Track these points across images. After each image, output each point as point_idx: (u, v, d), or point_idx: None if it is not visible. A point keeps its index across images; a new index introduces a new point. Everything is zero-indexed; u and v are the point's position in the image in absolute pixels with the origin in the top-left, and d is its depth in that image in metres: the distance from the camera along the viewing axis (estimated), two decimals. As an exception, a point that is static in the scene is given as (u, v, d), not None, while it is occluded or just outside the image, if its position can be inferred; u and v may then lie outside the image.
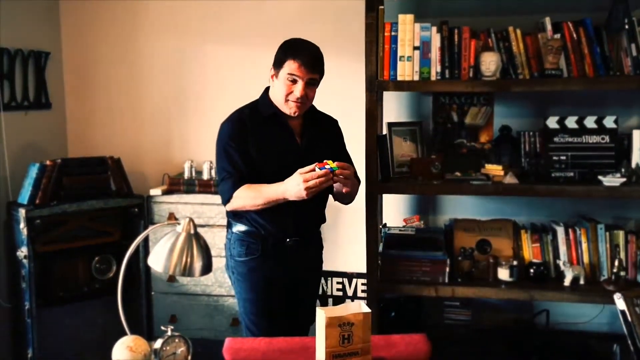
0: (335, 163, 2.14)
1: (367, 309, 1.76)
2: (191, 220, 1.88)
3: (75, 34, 3.60)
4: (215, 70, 3.50)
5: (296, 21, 3.33)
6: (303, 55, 2.20)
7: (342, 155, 2.44)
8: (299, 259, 2.37)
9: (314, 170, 2.11)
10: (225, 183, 2.28)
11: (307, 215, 2.37)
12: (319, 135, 2.38)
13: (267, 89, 2.36)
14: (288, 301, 2.41)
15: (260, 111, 2.32)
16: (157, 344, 1.77)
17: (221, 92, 3.48)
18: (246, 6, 3.40)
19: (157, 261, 1.88)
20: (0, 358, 3.14)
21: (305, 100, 2.24)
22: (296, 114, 2.26)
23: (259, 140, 2.28)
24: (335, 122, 2.51)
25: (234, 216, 2.36)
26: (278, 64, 2.24)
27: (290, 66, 2.20)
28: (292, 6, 3.34)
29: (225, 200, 2.28)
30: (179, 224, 1.90)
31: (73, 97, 3.65)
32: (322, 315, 1.72)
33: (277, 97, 2.27)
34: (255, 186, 2.24)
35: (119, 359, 1.71)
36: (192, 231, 1.87)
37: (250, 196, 2.23)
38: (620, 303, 1.92)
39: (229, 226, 2.43)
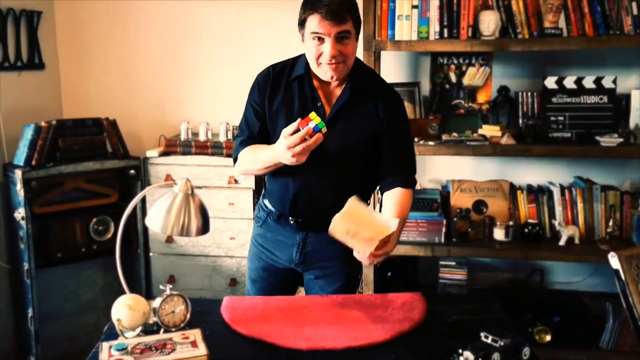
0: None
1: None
2: (188, 180, 1.87)
3: (68, -8, 3.53)
4: (211, 28, 3.44)
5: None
6: (323, 6, 1.79)
7: (391, 145, 1.98)
8: (305, 247, 2.08)
9: (298, 130, 1.79)
10: (235, 141, 2.08)
11: (319, 193, 1.98)
12: (358, 107, 1.96)
13: None
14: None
15: (293, 69, 2.00)
16: (156, 302, 1.79)
17: (217, 52, 3.44)
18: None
19: (155, 221, 1.87)
20: (1, 318, 3.17)
21: (343, 58, 1.85)
22: (334, 78, 1.88)
23: (277, 99, 1.99)
24: (391, 93, 2.01)
25: (263, 180, 2.19)
26: (301, 24, 1.88)
27: (312, 23, 1.82)
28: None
29: (233, 162, 2.09)
30: (175, 184, 1.89)
31: (67, 58, 3.60)
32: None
33: (310, 61, 1.92)
34: (255, 147, 2.00)
35: (118, 317, 1.72)
36: (189, 191, 1.86)
37: (249, 159, 2.01)
38: (614, 262, 1.93)
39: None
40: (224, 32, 3.42)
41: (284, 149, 1.80)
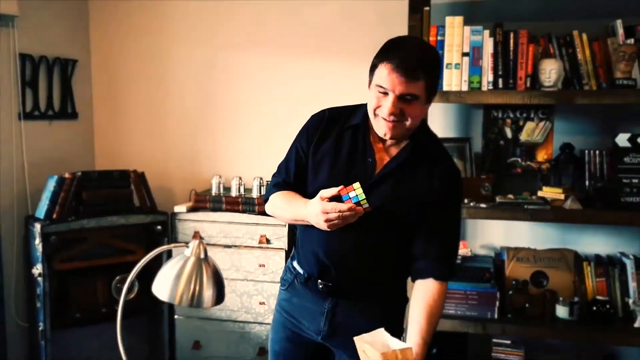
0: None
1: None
2: (201, 242, 1.66)
3: (105, 42, 3.45)
4: (246, 82, 3.28)
5: (334, 27, 3.09)
6: (396, 58, 1.60)
7: (434, 224, 1.75)
8: (335, 316, 1.83)
9: (338, 195, 1.63)
10: (272, 179, 1.91)
11: (351, 257, 1.77)
12: (412, 173, 1.75)
13: None
14: None
15: (350, 117, 1.81)
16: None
17: (251, 105, 3.26)
18: (281, 11, 3.18)
19: (162, 289, 1.69)
20: (15, 381, 2.98)
21: (402, 118, 1.65)
22: (387, 136, 1.69)
23: (324, 144, 1.80)
24: (451, 169, 1.78)
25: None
26: (371, 70, 1.69)
27: (380, 73, 1.63)
28: (329, 10, 3.10)
29: (264, 200, 1.91)
30: (187, 246, 1.69)
31: (101, 108, 3.50)
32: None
33: (369, 110, 1.72)
34: (288, 195, 1.81)
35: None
36: (202, 255, 1.66)
37: (280, 206, 1.83)
38: None
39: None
40: (259, 86, 3.26)
41: (318, 212, 1.64)
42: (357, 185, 1.61)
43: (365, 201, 1.60)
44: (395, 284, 1.87)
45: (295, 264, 1.93)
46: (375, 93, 1.66)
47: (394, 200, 1.72)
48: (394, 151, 1.76)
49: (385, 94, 1.63)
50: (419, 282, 1.76)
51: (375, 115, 1.68)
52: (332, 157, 1.78)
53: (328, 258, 1.79)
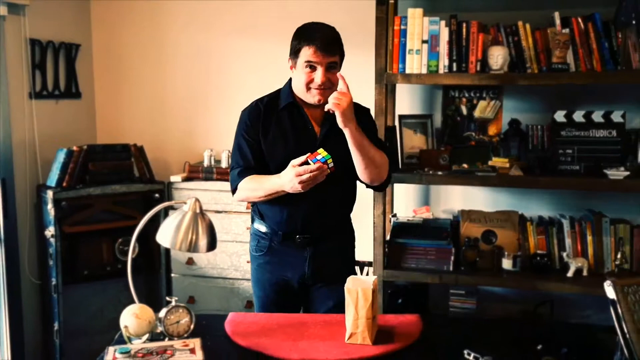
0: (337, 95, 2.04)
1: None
2: (197, 200, 1.98)
3: (105, 27, 3.77)
4: (237, 63, 3.63)
5: (312, 15, 3.41)
6: (317, 39, 2.07)
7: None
8: (315, 260, 2.26)
9: (306, 162, 1.99)
10: (232, 173, 2.25)
11: (323, 207, 2.22)
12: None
13: (291, 79, 2.26)
14: (307, 306, 2.37)
15: (279, 101, 2.24)
16: (162, 312, 1.91)
17: (242, 84, 3.61)
18: (267, 3, 3.53)
19: (165, 237, 2.00)
20: (30, 331, 3.34)
21: (329, 85, 2.11)
22: (321, 101, 2.13)
23: (271, 130, 2.20)
24: (366, 110, 2.33)
25: (254, 211, 2.35)
26: (294, 53, 2.14)
27: (306, 53, 2.08)
28: (309, 3, 3.45)
29: (232, 191, 2.26)
30: (185, 203, 2.01)
31: (102, 88, 3.83)
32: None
33: (299, 87, 2.16)
34: (257, 177, 2.17)
35: (125, 324, 1.84)
36: (197, 210, 1.97)
37: (252, 188, 2.17)
38: (609, 291, 1.87)
39: (252, 220, 2.41)
40: (247, 68, 3.61)
41: (292, 177, 2.00)
42: (321, 149, 2.00)
43: (331, 160, 1.99)
44: (349, 221, 2.38)
45: (264, 229, 2.29)
46: (304, 70, 2.11)
47: (341, 151, 2.11)
48: (318, 113, 2.20)
49: (314, 68, 2.09)
50: None
51: (308, 89, 2.13)
52: (281, 137, 2.19)
53: (309, 216, 2.20)
